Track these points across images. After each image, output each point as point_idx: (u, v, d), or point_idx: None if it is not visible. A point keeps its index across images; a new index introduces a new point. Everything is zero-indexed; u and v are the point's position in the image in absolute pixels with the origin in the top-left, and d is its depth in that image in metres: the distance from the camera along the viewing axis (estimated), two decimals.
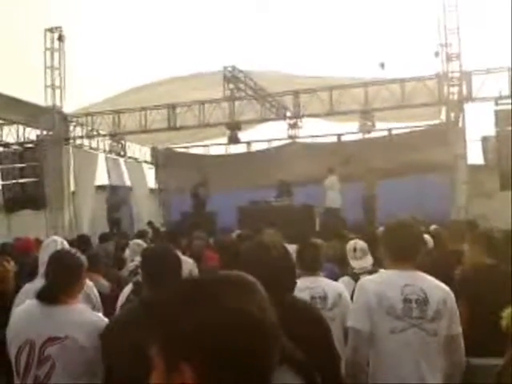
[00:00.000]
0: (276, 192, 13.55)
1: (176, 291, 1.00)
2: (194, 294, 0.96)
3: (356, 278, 3.83)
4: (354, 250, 4.41)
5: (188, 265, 5.24)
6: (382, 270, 3.29)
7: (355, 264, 4.35)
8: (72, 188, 15.48)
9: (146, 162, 19.01)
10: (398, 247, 2.78)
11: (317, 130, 16.64)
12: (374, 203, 12.55)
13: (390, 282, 2.73)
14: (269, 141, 17.98)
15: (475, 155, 13.56)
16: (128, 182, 17.68)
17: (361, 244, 4.46)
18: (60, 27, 14.55)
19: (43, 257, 3.60)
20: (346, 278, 4.37)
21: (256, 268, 2.20)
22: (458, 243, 4.93)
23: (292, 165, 15.15)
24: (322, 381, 2.30)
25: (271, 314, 0.97)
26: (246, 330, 0.92)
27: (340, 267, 4.96)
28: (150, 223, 14.36)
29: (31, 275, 4.01)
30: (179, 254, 4.06)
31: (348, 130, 15.70)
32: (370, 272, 3.69)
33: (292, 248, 3.60)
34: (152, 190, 19.24)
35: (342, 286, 3.91)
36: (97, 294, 4.05)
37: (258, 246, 2.41)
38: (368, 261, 4.34)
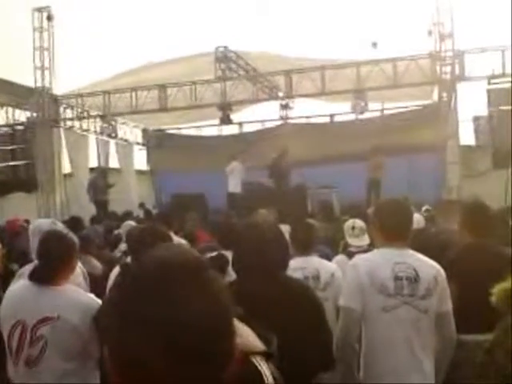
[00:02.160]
0: (269, 173, 13.50)
1: (121, 289, 0.95)
2: (139, 289, 0.91)
3: (351, 256, 3.86)
4: (353, 228, 4.49)
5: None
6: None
7: (352, 241, 4.40)
8: (64, 170, 15.42)
9: (137, 143, 18.90)
10: (390, 225, 2.79)
11: (309, 110, 16.58)
12: (379, 187, 12.23)
13: (382, 261, 2.74)
14: (261, 122, 17.85)
15: (467, 135, 13.56)
16: (118, 164, 17.60)
17: (359, 223, 4.53)
18: (48, 7, 14.39)
19: (34, 241, 3.57)
20: (340, 257, 4.42)
21: (249, 247, 2.28)
22: (449, 223, 5.08)
23: (284, 146, 15.30)
24: (315, 358, 2.33)
25: (222, 306, 0.91)
26: (191, 327, 0.87)
27: (332, 249, 4.98)
28: (141, 205, 14.33)
29: (23, 256, 3.98)
30: (172, 235, 4.06)
31: (341, 110, 15.58)
32: (366, 251, 3.74)
33: (285, 228, 3.61)
34: (143, 172, 19.22)
35: (334, 265, 3.93)
36: (81, 282, 3.97)
37: (252, 225, 2.44)
38: (365, 240, 4.38)
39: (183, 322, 0.87)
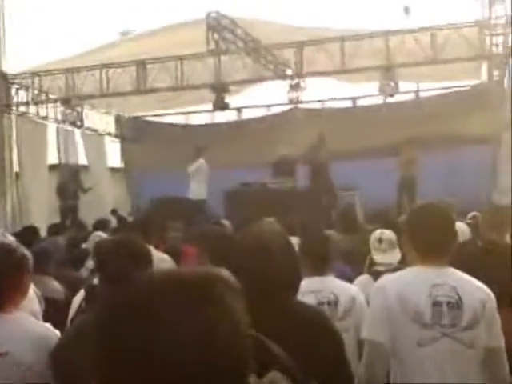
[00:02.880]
0: (274, 171, 13.43)
1: (108, 308, 1.03)
2: (128, 311, 0.99)
3: (378, 276, 3.84)
4: (380, 240, 4.52)
5: (164, 263, 5.24)
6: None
7: (379, 258, 4.43)
8: (16, 168, 15.30)
9: (108, 134, 18.82)
10: (425, 238, 2.78)
11: (325, 92, 16.47)
12: (414, 187, 12.31)
13: (416, 282, 2.73)
14: (265, 106, 17.82)
15: None
16: (85, 160, 17.54)
17: (388, 234, 4.55)
18: None
19: None
20: (364, 278, 4.45)
21: (251, 266, 2.23)
22: (501, 235, 5.10)
23: (294, 137, 15.00)
24: None
25: (224, 336, 0.98)
26: (187, 353, 0.94)
27: (353, 267, 5.00)
28: (113, 211, 14.46)
29: None
30: (151, 249, 4.04)
31: (365, 91, 15.62)
32: (396, 270, 3.71)
33: (295, 241, 3.52)
34: (117, 170, 19.15)
35: (356, 288, 3.93)
36: (36, 309, 3.97)
37: (254, 238, 2.39)
38: (395, 256, 4.39)
39: (180, 351, 0.94)
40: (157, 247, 5.77)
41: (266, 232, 2.48)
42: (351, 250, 5.86)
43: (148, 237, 5.39)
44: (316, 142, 12.86)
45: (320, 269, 3.77)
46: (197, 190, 13.05)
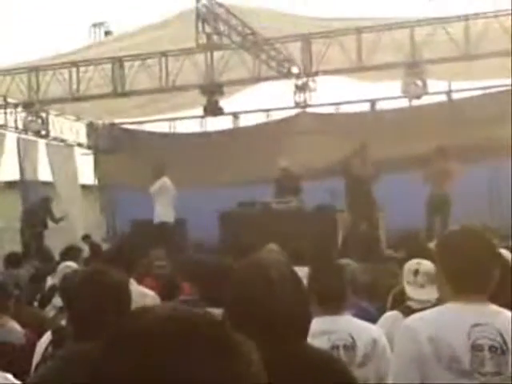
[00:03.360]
0: (277, 189, 13.45)
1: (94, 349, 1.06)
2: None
3: (410, 314, 3.82)
4: (416, 272, 4.52)
5: (146, 299, 5.20)
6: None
7: (415, 293, 4.42)
8: None
9: (79, 145, 18.84)
10: (460, 270, 2.76)
11: (339, 93, 16.53)
12: (446, 207, 12.22)
13: (451, 322, 2.71)
14: (266, 111, 17.83)
15: None
16: (51, 176, 17.42)
17: (426, 265, 4.50)
18: None
19: None
20: (392, 315, 4.43)
21: (251, 305, 2.22)
22: None
23: (301, 147, 15.06)
24: None
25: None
26: None
27: (375, 304, 5.00)
28: (85, 237, 14.39)
29: None
30: (131, 282, 4.01)
31: (386, 93, 15.64)
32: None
33: (303, 272, 3.51)
34: (89, 188, 19.14)
35: (377, 329, 3.91)
36: None
37: (254, 270, 2.38)
38: (433, 292, 4.35)
39: None
40: (139, 282, 5.76)
41: (268, 261, 2.46)
42: (372, 282, 5.85)
43: (127, 268, 5.39)
44: (355, 151, 12.72)
45: (334, 306, 3.76)
46: (163, 213, 13.12)
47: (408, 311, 4.10)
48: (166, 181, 13.31)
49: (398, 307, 4.62)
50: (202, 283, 4.53)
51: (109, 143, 18.97)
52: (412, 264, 4.63)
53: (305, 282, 2.89)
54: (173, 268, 7.72)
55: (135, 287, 4.93)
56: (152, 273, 7.72)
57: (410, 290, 4.53)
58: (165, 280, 6.64)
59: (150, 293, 5.65)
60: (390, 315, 4.49)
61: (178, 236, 13.28)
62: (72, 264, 7.21)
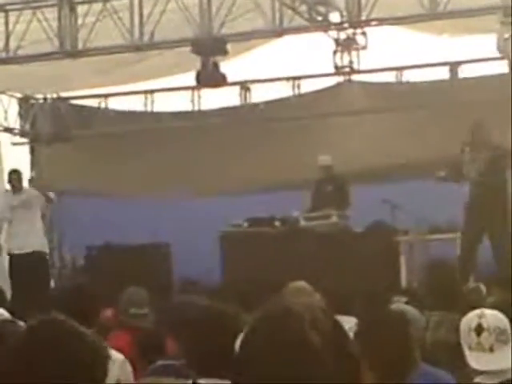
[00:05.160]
0: (311, 198, 13.59)
1: None
2: None
3: None
4: (478, 330, 4.60)
5: (112, 366, 5.35)
6: None
7: (479, 363, 4.50)
8: None
9: (7, 130, 18.92)
10: None
11: (400, 53, 16.00)
12: None
13: None
14: (292, 79, 17.09)
15: None
16: None
17: (493, 318, 4.60)
18: None
19: None
20: None
21: (273, 372, 2.31)
22: None
23: (346, 134, 15.13)
24: None
25: None
26: None
27: (456, 370, 5.07)
28: None
29: None
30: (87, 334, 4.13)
31: (475, 52, 15.47)
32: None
33: (349, 324, 3.75)
34: None
35: None
36: None
37: (276, 326, 2.46)
38: (507, 358, 4.38)
39: None
40: (104, 336, 5.70)
41: (297, 310, 2.53)
42: (449, 340, 5.95)
43: (84, 314, 5.51)
44: (472, 136, 12.44)
45: (393, 373, 3.95)
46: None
47: None
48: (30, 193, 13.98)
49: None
50: (190, 341, 4.53)
51: (53, 128, 18.36)
52: (472, 317, 4.68)
53: (352, 337, 2.99)
54: (157, 318, 7.51)
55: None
56: (126, 325, 7.62)
57: (472, 358, 4.54)
58: (144, 336, 6.60)
59: (118, 357, 5.63)
60: None
61: (160, 268, 13.58)
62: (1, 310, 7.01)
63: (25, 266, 13.90)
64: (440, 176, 12.19)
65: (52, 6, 14.42)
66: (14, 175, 14.36)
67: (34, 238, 14.02)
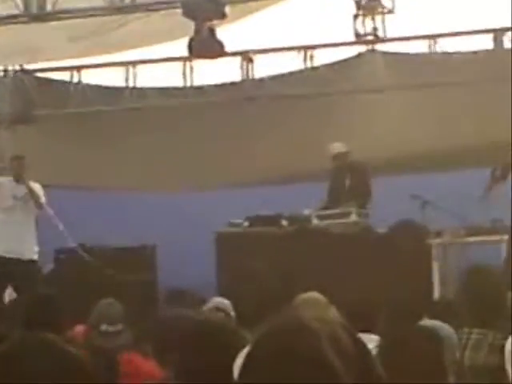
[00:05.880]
0: (327, 192, 13.41)
1: None
2: None
3: None
4: None
5: None
6: None
7: None
8: None
9: None
10: None
11: (435, 19, 15.41)
12: None
13: None
14: (302, 49, 16.42)
15: None
16: None
17: None
18: None
19: None
20: None
21: None
22: None
23: (370, 117, 15.03)
24: None
25: None
26: None
27: None
28: None
29: None
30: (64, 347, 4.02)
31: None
32: None
33: (371, 343, 3.61)
34: None
35: None
36: None
37: (288, 336, 2.37)
38: None
39: None
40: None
41: (312, 327, 2.44)
42: (491, 363, 5.87)
43: (56, 326, 5.39)
44: None
45: None
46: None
47: None
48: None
49: None
50: (180, 363, 4.43)
51: (14, 106, 17.82)
52: None
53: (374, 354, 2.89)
54: (136, 336, 7.46)
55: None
56: (92, 345, 7.29)
57: None
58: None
59: None
60: None
61: (143, 275, 13.49)
62: None
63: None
64: (496, 174, 11.62)
65: None
66: (16, 161, 13.94)
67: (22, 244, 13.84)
